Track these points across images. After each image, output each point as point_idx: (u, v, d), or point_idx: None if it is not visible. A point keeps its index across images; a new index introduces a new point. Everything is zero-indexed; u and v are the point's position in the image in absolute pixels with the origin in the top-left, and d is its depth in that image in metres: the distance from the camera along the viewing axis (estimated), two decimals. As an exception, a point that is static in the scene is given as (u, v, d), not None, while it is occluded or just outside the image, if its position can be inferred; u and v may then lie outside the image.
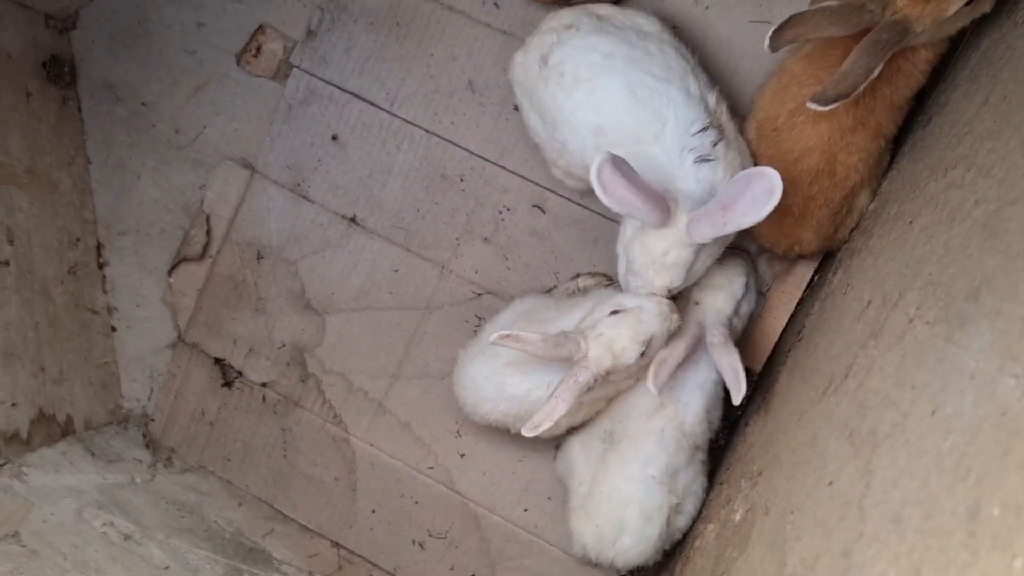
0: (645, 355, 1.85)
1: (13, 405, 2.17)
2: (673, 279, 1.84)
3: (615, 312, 1.85)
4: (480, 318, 2.44)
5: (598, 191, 1.71)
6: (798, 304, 2.25)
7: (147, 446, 2.56)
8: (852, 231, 2.04)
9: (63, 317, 2.43)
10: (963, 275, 1.15)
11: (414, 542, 2.50)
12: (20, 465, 2.11)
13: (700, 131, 1.85)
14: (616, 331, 1.82)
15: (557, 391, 1.81)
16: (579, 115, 1.93)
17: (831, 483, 1.24)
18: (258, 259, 2.56)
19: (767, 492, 1.57)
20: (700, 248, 1.81)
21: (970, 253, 1.17)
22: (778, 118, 1.90)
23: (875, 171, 1.96)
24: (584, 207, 2.38)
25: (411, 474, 2.48)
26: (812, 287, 2.22)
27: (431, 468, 2.47)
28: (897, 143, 1.99)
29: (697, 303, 2.03)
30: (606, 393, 2.06)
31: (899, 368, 1.21)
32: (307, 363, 2.54)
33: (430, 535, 2.49)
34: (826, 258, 2.19)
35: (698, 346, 1.98)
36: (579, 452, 2.15)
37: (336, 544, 2.52)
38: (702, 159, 1.83)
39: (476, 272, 2.44)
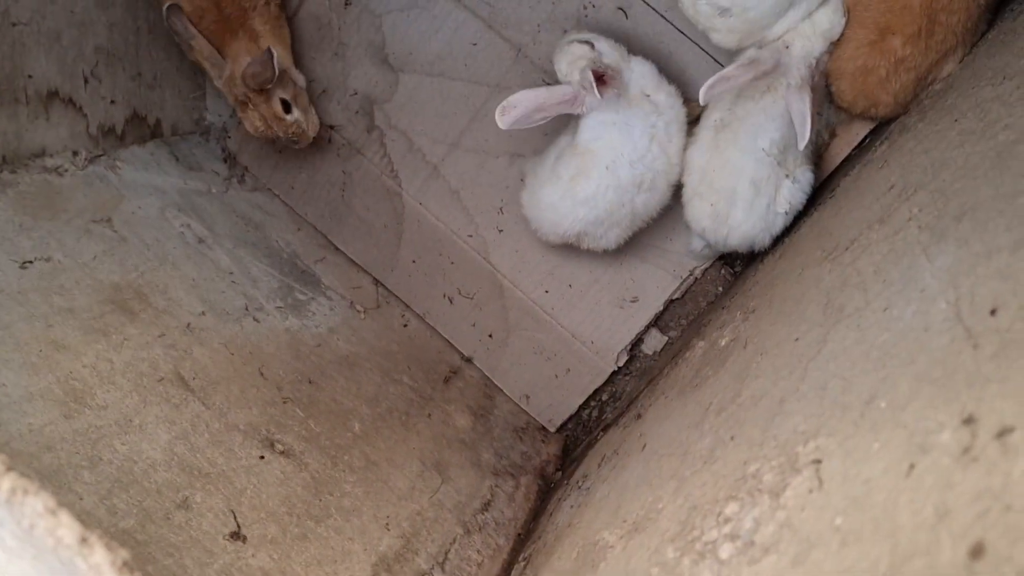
0: (612, 82, 2.16)
1: (112, 102, 2.40)
2: None
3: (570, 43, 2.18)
4: (543, 107, 2.56)
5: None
6: (844, 161, 2.33)
7: (224, 160, 2.82)
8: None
9: (161, 25, 2.58)
10: (962, 194, 1.26)
11: (444, 296, 2.80)
12: (115, 159, 2.37)
13: None
14: (562, 55, 2.24)
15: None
16: None
17: (796, 340, 1.44)
18: (346, 5, 2.65)
19: (751, 329, 1.78)
20: None
21: (978, 175, 1.28)
22: None
23: (970, 37, 1.97)
24: (668, 21, 2.41)
25: (451, 237, 2.73)
26: (861, 147, 2.29)
27: (470, 236, 2.71)
28: (994, 14, 1.99)
29: (787, 47, 2.12)
30: None
31: (883, 259, 1.36)
32: (375, 115, 2.71)
33: (459, 293, 2.78)
34: (881, 123, 2.24)
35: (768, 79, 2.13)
36: (690, 146, 2.32)
37: (377, 282, 2.82)
38: None
39: (551, 62, 2.52)
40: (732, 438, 1.34)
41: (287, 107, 2.35)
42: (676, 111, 2.25)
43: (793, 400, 1.23)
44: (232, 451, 1.87)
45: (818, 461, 0.99)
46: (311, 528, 1.85)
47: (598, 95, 2.09)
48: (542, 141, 2.54)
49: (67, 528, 0.70)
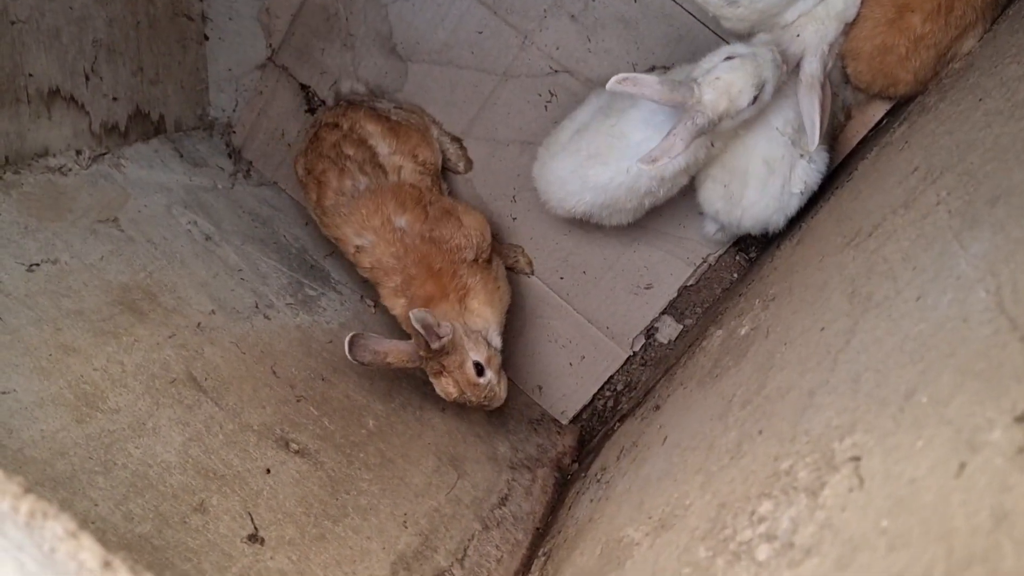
0: (756, 101, 1.95)
1: (114, 99, 2.36)
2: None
3: (730, 58, 1.94)
4: (553, 95, 2.52)
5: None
6: (860, 142, 2.29)
7: (229, 155, 2.78)
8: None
9: (161, 20, 2.55)
10: (994, 176, 1.22)
11: (456, 287, 2.77)
12: (119, 156, 2.34)
13: None
14: (733, 75, 1.91)
15: (675, 130, 1.91)
16: None
17: (823, 329, 1.40)
18: (351, -6, 2.61)
19: (772, 318, 1.74)
20: None
21: (1010, 157, 1.23)
22: None
23: (990, 12, 1.93)
24: (677, 3, 2.36)
25: (463, 228, 2.70)
26: (877, 129, 2.24)
27: (482, 226, 2.68)
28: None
29: (799, 35, 2.05)
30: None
31: (912, 245, 1.32)
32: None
33: (471, 284, 2.75)
34: (897, 104, 2.20)
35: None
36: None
37: (387, 275, 2.79)
38: None
39: (557, 49, 2.49)
40: (760, 432, 1.30)
41: (480, 370, 2.23)
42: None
43: (823, 393, 1.20)
44: (247, 452, 1.85)
45: (856, 458, 0.96)
46: (329, 528, 1.82)
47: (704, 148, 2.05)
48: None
49: (89, 552, 0.68)
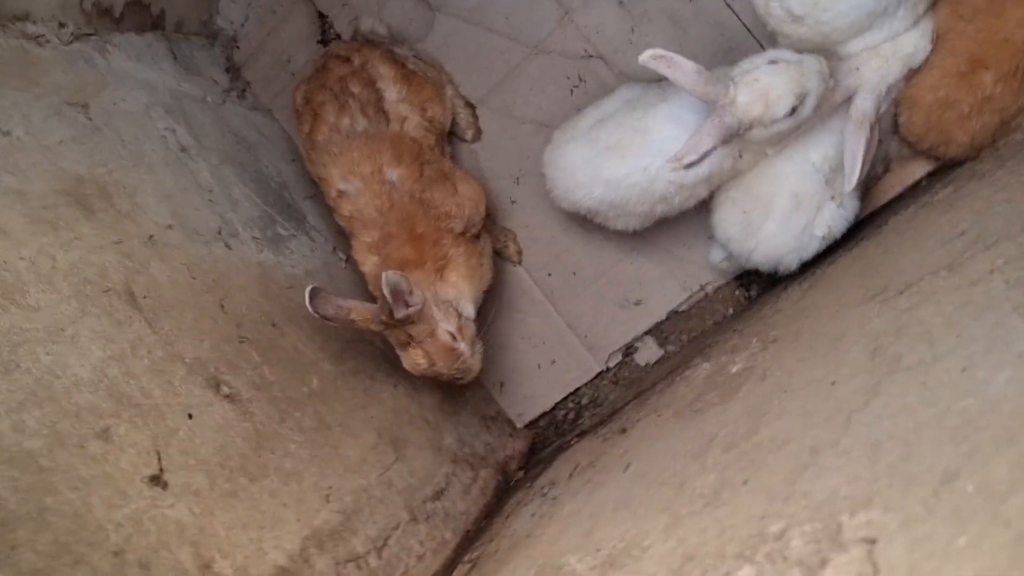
0: (795, 113, 1.78)
1: (115, -21, 2.16)
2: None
3: (774, 62, 1.78)
4: (582, 80, 2.36)
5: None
6: (893, 199, 2.14)
7: (227, 70, 2.59)
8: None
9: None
10: (1070, 252, 1.07)
11: (436, 260, 2.59)
12: (106, 42, 2.14)
13: None
14: (774, 79, 1.75)
15: (702, 128, 1.75)
16: None
17: (834, 383, 1.25)
18: (390, -72, 2.43)
19: (772, 361, 1.59)
20: None
21: (1091, 234, 1.09)
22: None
23: None
24: (734, 12, 2.20)
25: (457, 200, 2.52)
26: (916, 187, 2.10)
27: (478, 202, 2.50)
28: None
29: (858, 68, 1.89)
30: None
31: (956, 311, 1.16)
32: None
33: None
34: (942, 166, 2.05)
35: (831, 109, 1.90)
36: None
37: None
38: None
39: (597, 32, 2.32)
40: (745, 483, 1.14)
41: (452, 339, 2.05)
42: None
43: (831, 454, 1.04)
44: (171, 384, 1.66)
45: (871, 540, 0.80)
46: (243, 486, 1.64)
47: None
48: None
49: None
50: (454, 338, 2.02)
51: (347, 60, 2.24)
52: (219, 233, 2.06)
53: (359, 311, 1.97)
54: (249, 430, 1.74)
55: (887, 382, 1.11)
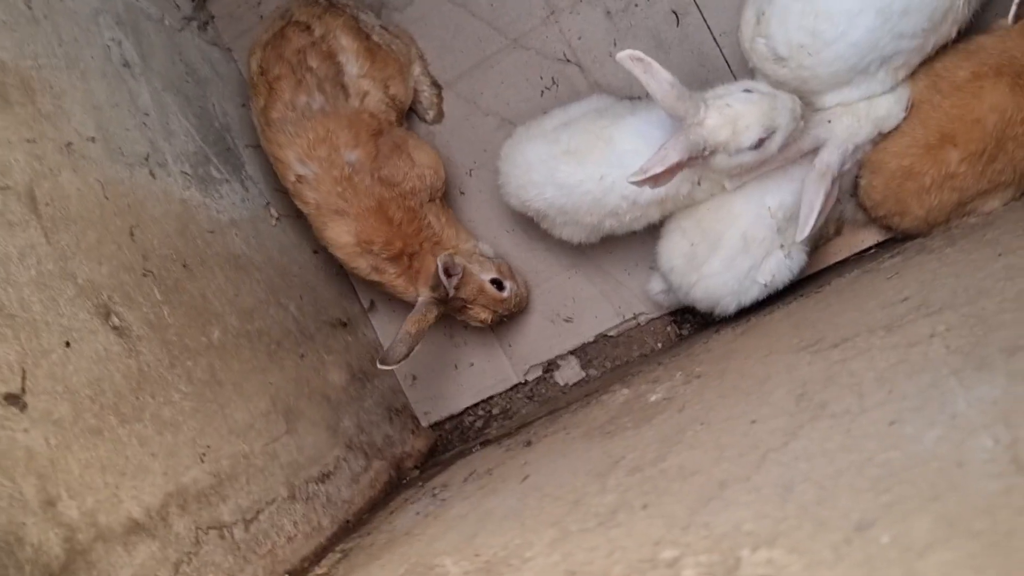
0: (761, 147, 1.74)
1: None
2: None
3: (748, 91, 1.74)
4: (556, 83, 2.29)
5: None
6: (839, 262, 2.12)
7: (192, -1, 2.45)
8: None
9: None
10: (1014, 328, 1.03)
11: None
12: (66, -65, 1.99)
13: None
14: (745, 107, 1.70)
15: (668, 143, 1.69)
16: None
17: (754, 421, 1.19)
18: None
19: (693, 395, 1.52)
20: None
21: (1038, 313, 1.05)
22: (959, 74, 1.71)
23: None
24: (718, 46, 2.17)
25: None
26: (863, 254, 2.08)
27: (426, 186, 2.41)
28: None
29: (829, 121, 1.87)
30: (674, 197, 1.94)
31: (890, 368, 1.11)
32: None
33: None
34: (893, 238, 2.04)
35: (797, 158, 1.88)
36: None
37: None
38: None
39: (579, 38, 2.26)
40: (644, 507, 1.07)
41: (499, 285, 2.20)
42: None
43: (740, 488, 0.97)
44: (56, 303, 1.52)
45: (770, 579, 0.73)
46: (111, 425, 1.51)
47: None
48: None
49: None
50: (500, 284, 2.19)
51: (307, 28, 2.12)
52: (146, 159, 1.93)
53: (417, 322, 2.01)
54: (132, 368, 1.60)
55: (809, 427, 1.05)
